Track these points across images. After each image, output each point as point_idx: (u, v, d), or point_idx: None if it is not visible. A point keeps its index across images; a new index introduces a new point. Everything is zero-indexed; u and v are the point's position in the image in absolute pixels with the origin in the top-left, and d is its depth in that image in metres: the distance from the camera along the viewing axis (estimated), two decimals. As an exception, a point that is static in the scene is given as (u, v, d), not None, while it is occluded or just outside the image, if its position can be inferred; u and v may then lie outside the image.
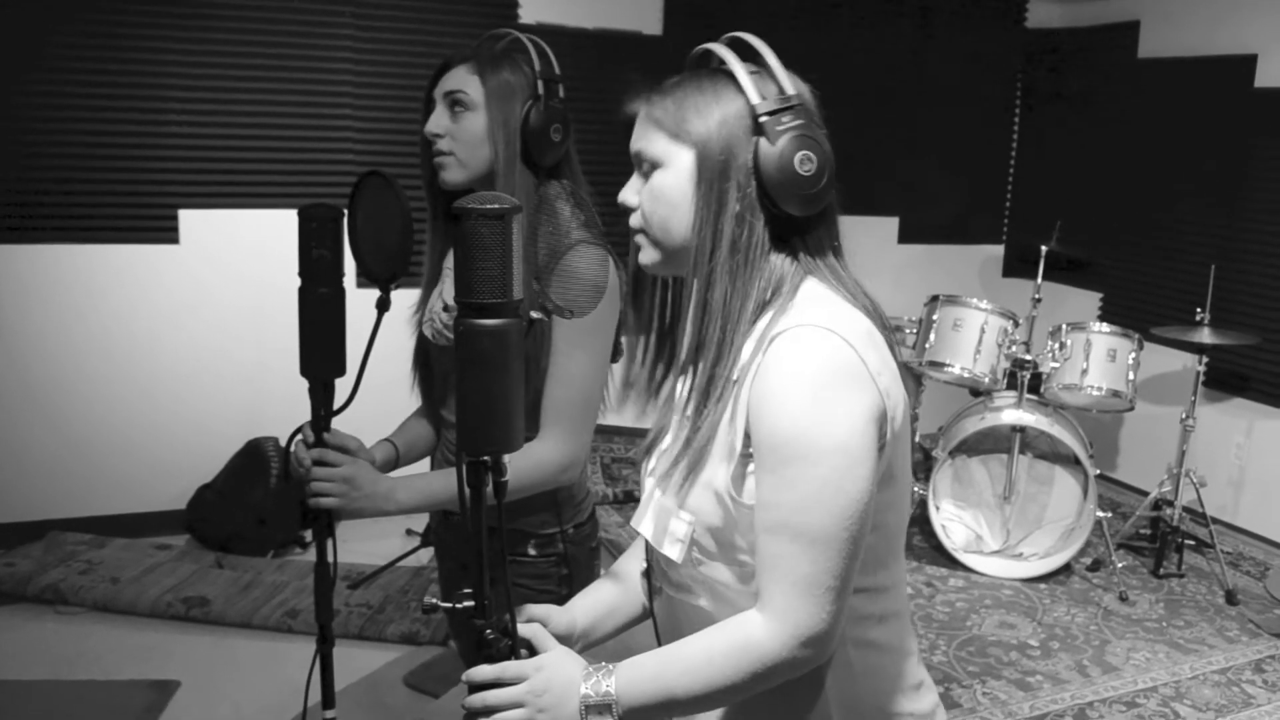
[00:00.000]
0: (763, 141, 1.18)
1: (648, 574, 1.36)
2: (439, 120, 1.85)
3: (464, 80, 1.83)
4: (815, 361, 1.12)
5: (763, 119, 1.19)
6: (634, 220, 1.30)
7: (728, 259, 1.20)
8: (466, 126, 1.83)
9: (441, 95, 1.86)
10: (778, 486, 1.13)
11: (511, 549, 1.95)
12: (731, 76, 1.22)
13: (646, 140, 1.27)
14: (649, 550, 1.33)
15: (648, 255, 1.30)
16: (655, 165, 1.26)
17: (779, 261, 1.22)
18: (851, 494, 1.12)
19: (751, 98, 1.20)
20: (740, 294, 1.20)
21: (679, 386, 1.35)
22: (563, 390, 1.80)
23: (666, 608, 1.33)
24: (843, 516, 1.12)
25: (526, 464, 1.73)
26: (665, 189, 1.25)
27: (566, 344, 1.78)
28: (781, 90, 1.21)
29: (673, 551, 1.21)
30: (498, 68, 1.83)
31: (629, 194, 1.30)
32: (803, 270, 1.22)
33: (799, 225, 1.22)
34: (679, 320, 1.34)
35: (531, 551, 1.92)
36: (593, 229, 1.85)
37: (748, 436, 1.16)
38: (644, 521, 1.27)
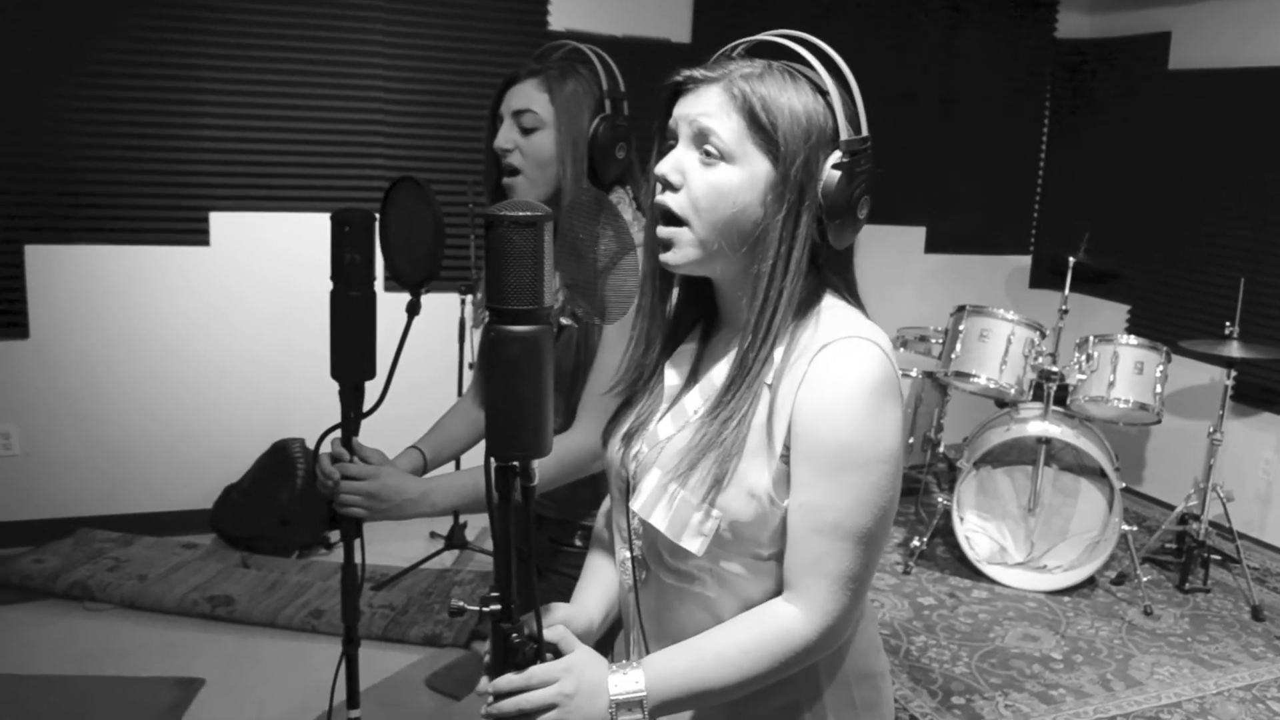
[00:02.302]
0: (839, 176, 1.19)
1: (632, 558, 1.34)
2: (508, 135, 1.87)
3: (532, 98, 1.86)
4: (868, 374, 1.17)
5: (847, 158, 1.19)
6: (674, 204, 1.22)
7: (792, 280, 1.20)
8: (536, 144, 1.86)
9: (510, 112, 1.88)
10: (833, 491, 1.17)
11: (559, 539, 1.99)
12: (812, 81, 1.22)
13: (718, 121, 1.19)
14: (640, 534, 1.32)
15: (683, 254, 1.23)
16: (723, 155, 1.19)
17: (810, 278, 1.24)
18: (893, 496, 1.21)
19: (843, 129, 1.20)
20: (788, 310, 1.21)
21: (668, 375, 1.35)
22: (602, 382, 1.83)
23: (656, 592, 1.33)
24: (885, 517, 1.20)
25: (558, 451, 1.75)
26: (733, 188, 1.19)
27: (615, 338, 1.82)
28: (858, 127, 1.22)
29: (693, 545, 1.21)
30: (564, 84, 1.86)
31: (673, 172, 1.22)
32: (824, 284, 1.26)
33: (833, 251, 1.25)
34: (665, 306, 1.36)
35: (578, 543, 1.96)
36: None
37: (786, 441, 1.19)
38: (654, 512, 1.24)
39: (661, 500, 1.24)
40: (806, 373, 1.18)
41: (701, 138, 1.20)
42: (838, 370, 1.16)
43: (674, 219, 1.23)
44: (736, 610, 1.25)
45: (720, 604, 1.26)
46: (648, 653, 1.31)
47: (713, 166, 1.20)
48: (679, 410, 1.31)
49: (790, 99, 1.19)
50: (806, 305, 1.23)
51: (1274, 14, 4.78)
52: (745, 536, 1.21)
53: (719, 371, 1.29)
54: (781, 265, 1.19)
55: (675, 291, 1.37)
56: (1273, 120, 4.78)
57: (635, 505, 1.28)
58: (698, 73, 1.23)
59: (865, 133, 1.22)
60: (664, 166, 1.23)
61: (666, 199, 1.22)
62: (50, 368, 4.26)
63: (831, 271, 1.26)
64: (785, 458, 1.19)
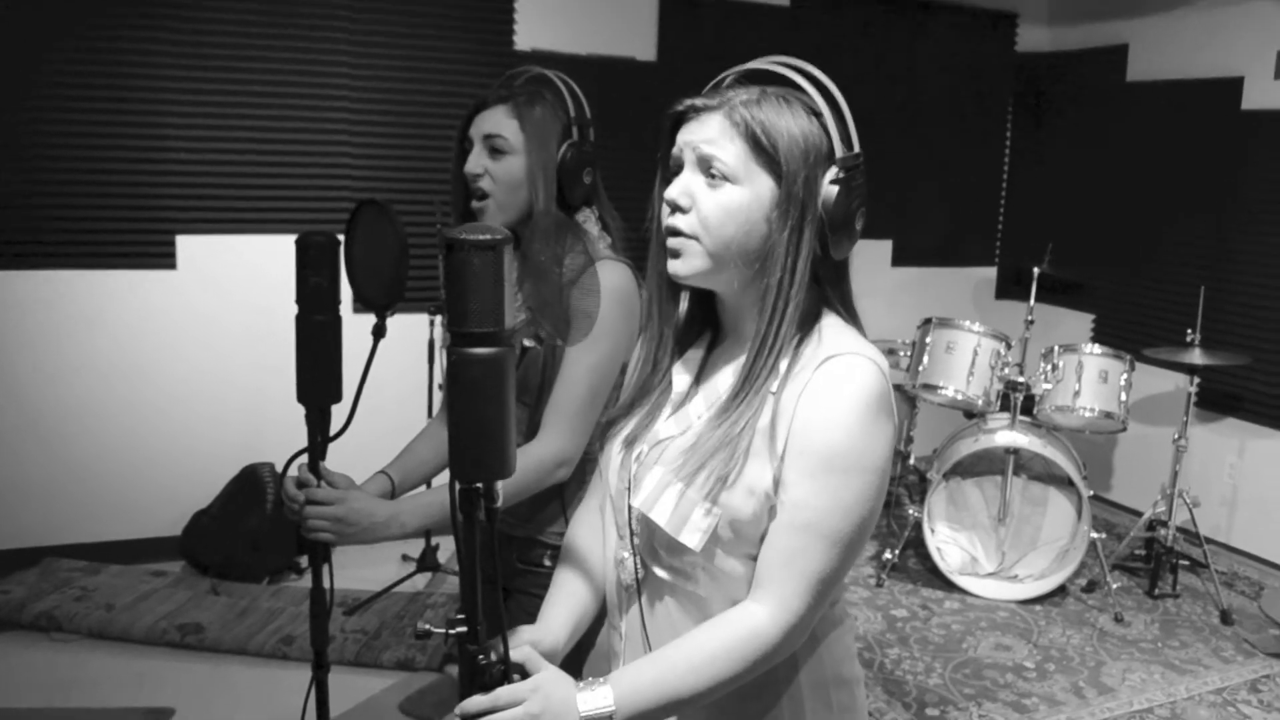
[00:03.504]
0: (837, 191, 1.25)
1: (634, 555, 1.37)
2: (478, 160, 1.90)
3: (501, 123, 1.89)
4: (866, 388, 1.23)
5: (843, 173, 1.26)
6: (684, 224, 1.28)
7: (798, 291, 1.26)
8: (506, 168, 1.89)
9: (480, 137, 1.91)
10: (817, 492, 1.22)
11: (526, 558, 1.99)
12: (805, 104, 1.29)
13: (721, 147, 1.25)
14: (638, 533, 1.35)
15: (691, 264, 1.28)
16: (728, 177, 1.25)
17: (812, 291, 1.30)
18: (874, 508, 1.26)
19: (838, 147, 1.27)
20: (794, 320, 1.27)
21: (675, 381, 1.39)
22: (566, 391, 1.87)
23: (650, 591, 1.36)
24: (863, 526, 1.25)
25: (523, 462, 1.75)
26: (740, 208, 1.25)
27: (578, 348, 1.84)
28: (850, 144, 1.28)
29: (691, 540, 1.25)
30: (533, 109, 1.90)
31: (682, 195, 1.28)
32: (823, 300, 1.33)
33: (831, 264, 1.31)
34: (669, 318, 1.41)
35: (546, 563, 1.97)
36: (618, 250, 1.96)
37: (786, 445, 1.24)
38: (656, 508, 1.28)
39: (663, 496, 1.28)
40: (809, 382, 1.24)
41: (706, 163, 1.27)
42: (838, 381, 1.23)
43: (685, 237, 1.29)
44: (726, 609, 1.28)
45: (711, 603, 1.30)
46: (650, 648, 1.33)
47: (719, 188, 1.26)
48: (683, 414, 1.36)
49: (788, 122, 1.26)
50: (809, 321, 1.30)
51: (1228, 25, 4.87)
52: (743, 535, 1.26)
53: (723, 379, 1.35)
54: (788, 278, 1.26)
55: (680, 310, 1.42)
56: (1229, 130, 4.86)
57: (636, 501, 1.32)
58: (699, 101, 1.30)
59: (857, 149, 1.29)
60: (673, 191, 1.29)
61: (676, 220, 1.29)
62: (15, 394, 4.21)
63: (829, 285, 1.33)
64: (782, 459, 1.25)
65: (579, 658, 1.68)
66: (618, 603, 1.42)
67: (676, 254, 1.29)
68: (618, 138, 3.75)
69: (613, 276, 1.85)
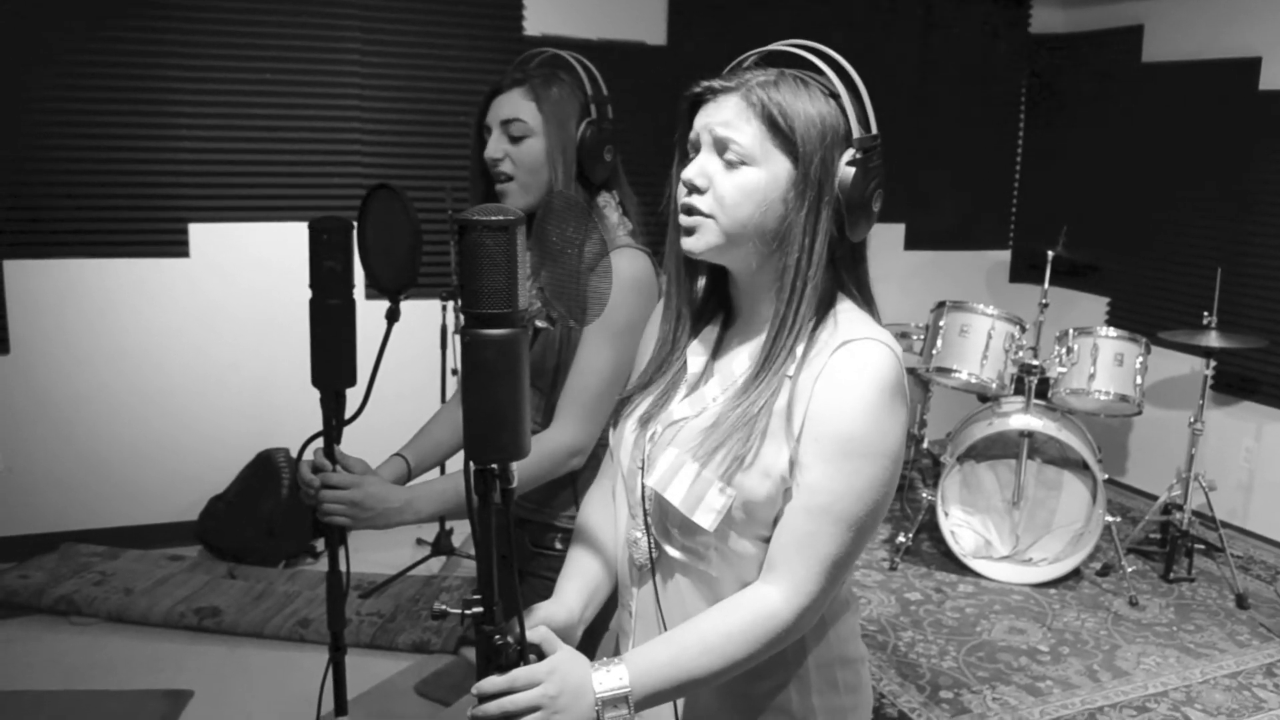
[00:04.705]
0: (854, 172, 1.26)
1: (648, 534, 1.37)
2: (498, 145, 1.91)
3: (519, 107, 1.89)
4: (881, 373, 1.24)
5: (860, 154, 1.26)
6: (702, 203, 1.28)
7: (815, 272, 1.27)
8: (526, 151, 1.89)
9: (498, 122, 1.91)
10: (833, 475, 1.23)
11: (539, 542, 2.00)
12: (822, 86, 1.29)
13: (738, 129, 1.26)
14: (650, 512, 1.35)
15: (706, 240, 1.28)
16: (745, 159, 1.26)
17: (828, 274, 1.30)
18: (888, 492, 1.27)
19: (855, 129, 1.27)
20: (812, 301, 1.28)
21: (689, 362, 1.40)
22: (581, 379, 1.86)
23: (663, 570, 1.37)
24: (876, 510, 1.26)
25: (538, 449, 1.76)
26: (757, 188, 1.26)
27: (595, 337, 1.84)
28: (868, 126, 1.28)
29: (705, 520, 1.26)
30: (549, 90, 1.90)
31: (699, 176, 1.28)
32: (838, 285, 1.33)
33: (847, 246, 1.31)
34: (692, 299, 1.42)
35: (557, 546, 1.97)
36: (637, 236, 1.95)
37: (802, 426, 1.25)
38: (670, 487, 1.29)
39: (678, 476, 1.29)
40: (826, 365, 1.25)
41: (722, 145, 1.27)
42: (854, 366, 1.24)
43: (701, 215, 1.29)
44: (736, 590, 1.29)
45: (722, 583, 1.31)
46: (664, 627, 1.34)
47: (736, 169, 1.27)
48: (698, 396, 1.36)
49: (804, 103, 1.26)
50: (824, 305, 1.30)
51: (1244, 6, 4.82)
52: (756, 517, 1.27)
53: (738, 361, 1.35)
54: (806, 258, 1.26)
55: (697, 289, 1.43)
56: (1244, 111, 4.82)
57: (650, 480, 1.32)
58: (716, 83, 1.30)
59: (875, 131, 1.28)
60: (690, 171, 1.29)
61: (694, 200, 1.29)
62: (32, 383, 4.24)
63: (845, 269, 1.33)
64: (798, 442, 1.25)
65: (591, 642, 1.69)
66: (629, 582, 1.43)
67: (691, 231, 1.30)
68: (627, 122, 3.74)
69: (631, 265, 1.84)
